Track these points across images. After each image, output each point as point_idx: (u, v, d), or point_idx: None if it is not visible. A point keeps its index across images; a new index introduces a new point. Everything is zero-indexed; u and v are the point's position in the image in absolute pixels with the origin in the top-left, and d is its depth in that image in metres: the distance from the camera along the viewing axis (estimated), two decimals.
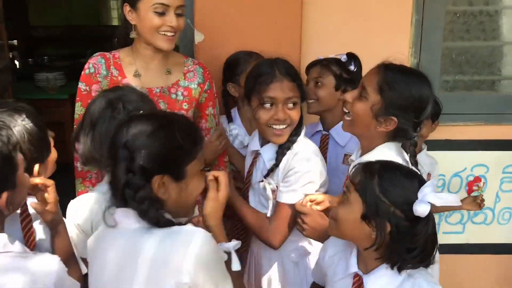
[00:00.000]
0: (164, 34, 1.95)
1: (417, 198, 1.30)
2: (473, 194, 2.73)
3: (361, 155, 1.73)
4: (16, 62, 5.24)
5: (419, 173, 1.52)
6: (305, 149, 1.88)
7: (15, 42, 4.46)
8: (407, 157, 1.65)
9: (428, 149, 2.70)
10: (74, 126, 2.01)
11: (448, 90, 2.84)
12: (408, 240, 1.31)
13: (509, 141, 2.79)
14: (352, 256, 1.45)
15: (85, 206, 1.58)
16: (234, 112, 2.51)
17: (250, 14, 2.51)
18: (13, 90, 4.03)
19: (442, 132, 2.79)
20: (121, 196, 1.26)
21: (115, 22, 8.45)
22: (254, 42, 2.51)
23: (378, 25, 2.66)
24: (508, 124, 2.79)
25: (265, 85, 1.81)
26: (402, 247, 1.31)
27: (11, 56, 4.49)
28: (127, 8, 1.96)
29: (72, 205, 1.61)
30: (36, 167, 1.39)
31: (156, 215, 1.25)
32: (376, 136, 1.65)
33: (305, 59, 2.50)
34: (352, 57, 2.27)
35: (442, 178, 2.87)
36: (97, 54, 2.06)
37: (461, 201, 2.57)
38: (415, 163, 1.63)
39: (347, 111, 1.72)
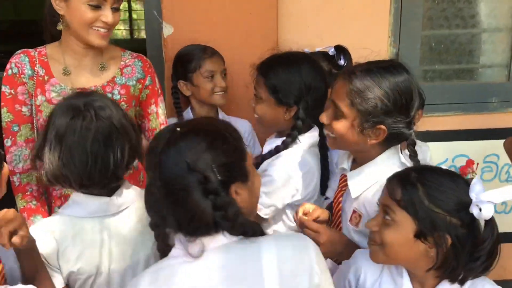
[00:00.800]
0: (98, 30, 1.73)
1: (470, 200, 1.19)
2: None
3: (353, 163, 1.60)
4: None
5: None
6: (291, 157, 1.75)
7: None
8: (405, 159, 1.52)
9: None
10: (3, 136, 1.80)
11: (427, 80, 2.76)
12: (472, 248, 1.19)
13: (490, 130, 2.73)
14: (403, 279, 1.31)
15: (48, 233, 1.37)
16: (188, 113, 2.32)
17: (223, 5, 2.35)
18: None
19: (422, 123, 2.63)
20: (208, 223, 1.10)
21: None
22: (227, 35, 2.38)
23: (355, 13, 2.55)
24: (488, 113, 2.74)
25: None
26: (466, 257, 1.20)
27: None
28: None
29: (39, 227, 1.40)
30: None
31: (251, 225, 1.13)
32: (369, 148, 1.50)
33: (282, 50, 2.36)
34: (340, 50, 2.11)
35: None
36: (19, 51, 1.81)
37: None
38: (417, 163, 1.50)
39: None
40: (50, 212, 1.85)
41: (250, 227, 1.12)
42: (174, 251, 1.15)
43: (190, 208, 1.08)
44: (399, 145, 1.53)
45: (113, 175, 1.36)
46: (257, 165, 1.82)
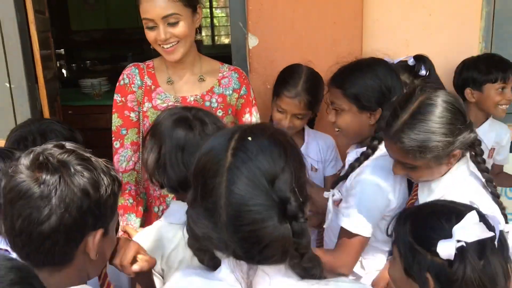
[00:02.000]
0: (162, 47, 1.85)
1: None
2: None
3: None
4: (64, 71, 5.23)
5: (469, 205, 1.29)
6: (374, 168, 1.71)
7: (62, 51, 4.43)
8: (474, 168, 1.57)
9: None
10: (113, 138, 1.97)
11: None
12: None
13: None
14: None
15: (153, 239, 1.46)
16: None
17: (306, 15, 2.37)
18: (61, 98, 4.03)
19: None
20: (278, 252, 0.94)
21: None
22: (312, 44, 2.39)
23: (444, 19, 2.47)
24: None
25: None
26: None
27: (58, 65, 4.47)
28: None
29: (142, 237, 1.48)
30: None
31: (317, 261, 1.01)
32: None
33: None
34: (420, 59, 2.03)
35: None
36: (131, 64, 2.01)
37: None
38: (482, 166, 1.55)
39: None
40: (146, 211, 1.99)
41: (317, 263, 0.99)
42: (223, 274, 1.00)
43: (263, 236, 0.91)
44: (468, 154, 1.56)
45: None
46: (340, 180, 1.82)
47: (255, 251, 0.92)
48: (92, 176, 1.07)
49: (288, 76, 2.12)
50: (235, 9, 2.44)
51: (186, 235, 1.23)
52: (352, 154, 1.85)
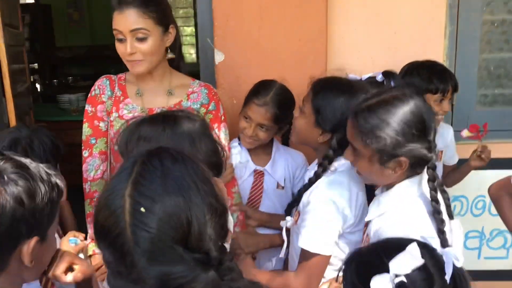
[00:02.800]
0: (128, 61, 1.86)
1: None
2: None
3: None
4: (37, 86, 5.23)
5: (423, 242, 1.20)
6: (328, 185, 1.69)
7: (35, 65, 4.43)
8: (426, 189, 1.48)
9: None
10: (82, 147, 1.98)
11: (487, 105, 2.65)
12: None
13: None
14: None
15: None
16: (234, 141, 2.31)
17: (272, 31, 2.39)
18: (36, 113, 4.01)
19: None
20: None
21: None
22: (277, 61, 2.41)
23: (409, 37, 2.51)
24: None
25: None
26: None
27: (32, 79, 4.47)
28: None
29: None
30: None
31: None
32: (397, 177, 1.49)
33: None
34: (389, 75, 2.00)
35: (483, 199, 2.67)
36: (103, 76, 2.03)
37: (468, 161, 2.38)
38: (433, 194, 1.45)
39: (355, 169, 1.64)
40: None
41: None
42: None
43: None
44: (424, 176, 1.49)
45: None
46: (299, 196, 1.80)
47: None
48: (28, 184, 1.06)
49: (260, 87, 2.12)
50: (203, 25, 2.47)
51: None
52: (312, 170, 1.85)
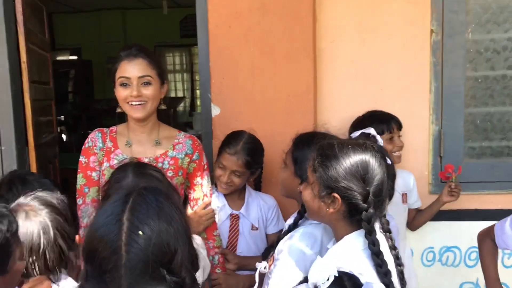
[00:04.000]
0: (131, 104, 2.08)
1: None
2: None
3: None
4: (64, 136, 5.62)
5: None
6: (303, 235, 1.76)
7: (62, 117, 4.79)
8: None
9: (456, 219, 2.58)
10: (76, 196, 2.15)
11: (474, 157, 2.71)
12: None
13: None
14: None
15: None
16: None
17: (264, 88, 2.58)
18: (64, 162, 4.31)
19: (471, 201, 2.66)
20: None
21: (172, 94, 8.94)
22: (268, 115, 2.59)
23: (395, 93, 2.65)
24: None
25: None
26: None
27: (59, 130, 4.82)
28: (113, 85, 2.16)
29: None
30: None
31: None
32: (335, 221, 1.54)
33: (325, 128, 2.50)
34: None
35: (475, 250, 2.68)
36: (96, 130, 2.24)
37: (438, 196, 2.56)
38: (377, 248, 1.46)
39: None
40: None
41: None
42: None
43: None
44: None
45: None
46: (277, 242, 1.89)
47: None
48: None
49: (231, 138, 2.34)
50: (204, 81, 2.70)
51: None
52: (291, 218, 1.97)
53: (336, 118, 2.58)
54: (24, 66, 2.94)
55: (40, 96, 3.30)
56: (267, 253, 2.00)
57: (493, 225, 2.14)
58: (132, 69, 2.07)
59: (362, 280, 1.33)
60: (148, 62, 2.10)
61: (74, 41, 8.08)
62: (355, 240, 1.53)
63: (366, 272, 1.44)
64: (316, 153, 1.56)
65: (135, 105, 2.08)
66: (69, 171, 4.67)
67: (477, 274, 2.73)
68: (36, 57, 3.22)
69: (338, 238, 1.58)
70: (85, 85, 8.13)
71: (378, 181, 1.50)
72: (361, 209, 1.48)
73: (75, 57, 8.39)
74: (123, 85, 2.08)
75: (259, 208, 2.38)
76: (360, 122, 2.44)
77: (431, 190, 2.70)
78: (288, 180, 1.91)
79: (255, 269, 2.02)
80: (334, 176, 1.49)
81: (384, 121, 2.44)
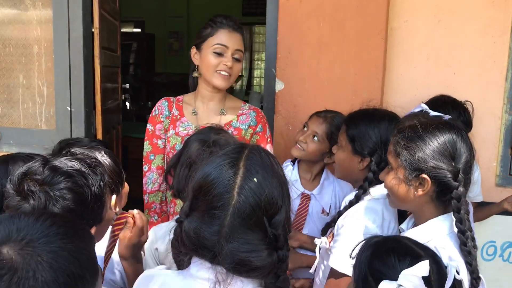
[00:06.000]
0: (220, 73, 2.11)
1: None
2: None
3: (414, 225, 1.60)
4: (127, 104, 5.76)
5: (431, 251, 1.30)
6: (363, 210, 1.76)
7: (127, 85, 4.90)
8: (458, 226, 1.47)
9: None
10: (143, 163, 2.20)
11: None
12: None
13: None
14: None
15: (165, 233, 1.68)
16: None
17: (331, 65, 2.54)
18: (126, 129, 4.44)
19: None
20: (266, 276, 1.12)
21: None
22: (334, 93, 2.54)
23: (468, 79, 2.54)
24: None
25: None
26: None
27: (123, 98, 4.95)
28: (193, 50, 2.19)
29: (154, 230, 1.72)
30: (113, 199, 1.45)
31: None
32: (422, 207, 1.51)
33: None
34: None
35: None
36: (162, 98, 2.29)
37: (502, 201, 2.46)
38: (464, 227, 1.44)
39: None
40: None
41: (288, 284, 1.15)
42: (194, 270, 1.14)
43: (254, 262, 1.07)
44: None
45: None
46: (334, 220, 1.89)
47: (243, 270, 1.08)
48: (76, 197, 1.26)
49: (326, 110, 2.27)
50: (270, 56, 2.68)
51: None
52: (349, 197, 1.94)
53: (404, 100, 2.52)
54: (96, 32, 3.03)
55: (108, 62, 3.39)
56: (326, 229, 1.99)
57: None
58: (231, 40, 2.11)
59: (445, 261, 1.30)
60: (243, 39, 2.16)
61: (139, 14, 8.23)
62: (441, 223, 1.51)
63: (452, 253, 1.44)
64: (398, 137, 1.52)
65: (224, 74, 2.12)
66: (128, 138, 4.85)
67: None
68: (107, 24, 3.30)
69: (420, 221, 1.55)
70: (146, 58, 8.29)
71: (466, 158, 1.47)
72: (452, 187, 1.46)
73: (138, 30, 8.55)
74: (218, 53, 2.11)
75: (334, 193, 2.31)
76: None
77: (498, 182, 2.59)
78: (346, 161, 1.88)
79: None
80: (422, 157, 1.46)
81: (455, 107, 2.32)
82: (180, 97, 2.30)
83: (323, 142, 2.20)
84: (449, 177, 1.45)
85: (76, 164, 1.31)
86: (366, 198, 1.81)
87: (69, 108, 2.99)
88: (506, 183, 2.53)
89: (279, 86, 2.61)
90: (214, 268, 1.10)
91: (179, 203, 2.14)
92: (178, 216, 1.20)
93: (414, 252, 1.27)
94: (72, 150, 1.42)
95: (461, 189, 1.45)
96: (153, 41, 8.51)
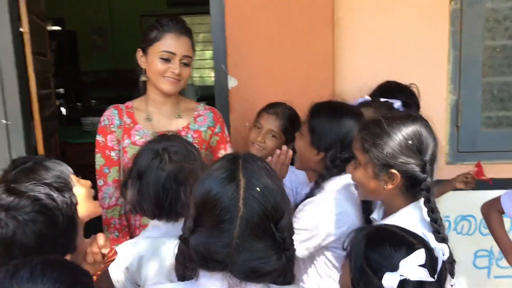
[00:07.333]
0: (168, 79, 2.03)
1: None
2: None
3: (384, 214, 1.64)
4: (63, 109, 5.46)
5: (421, 238, 1.35)
6: (319, 202, 1.78)
7: (61, 90, 4.65)
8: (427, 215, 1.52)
9: (472, 188, 2.59)
10: (96, 176, 2.09)
11: (491, 126, 2.72)
12: None
13: None
14: None
15: (135, 250, 1.60)
16: None
17: (282, 58, 2.53)
18: (61, 135, 4.21)
19: (487, 170, 2.67)
20: (276, 279, 1.15)
21: None
22: (286, 85, 2.54)
23: (413, 62, 2.62)
24: None
25: None
26: None
27: (58, 103, 4.69)
28: (139, 53, 2.08)
29: (124, 248, 1.63)
30: (101, 239, 1.39)
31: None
32: (392, 198, 1.56)
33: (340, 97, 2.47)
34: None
35: None
36: (110, 106, 2.16)
37: (452, 179, 2.48)
38: (436, 215, 1.49)
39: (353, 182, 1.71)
40: None
41: (294, 277, 1.19)
42: (212, 282, 1.15)
43: (265, 268, 1.10)
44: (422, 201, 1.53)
45: (180, 207, 1.55)
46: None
47: (254, 277, 1.11)
48: (46, 219, 1.19)
49: (272, 103, 2.32)
50: (218, 52, 2.62)
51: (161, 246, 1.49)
52: (307, 187, 1.97)
53: (354, 88, 2.56)
54: (27, 37, 2.82)
55: (40, 68, 3.18)
56: None
57: (498, 198, 2.18)
58: (179, 46, 2.02)
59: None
60: (191, 43, 2.06)
61: (57, 11, 7.79)
62: (412, 212, 1.55)
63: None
64: (364, 133, 1.55)
65: (172, 80, 2.03)
66: (64, 145, 4.61)
67: (492, 242, 2.76)
68: (36, 27, 3.09)
69: (392, 211, 1.59)
70: (69, 57, 7.89)
71: (432, 149, 1.52)
72: (421, 180, 1.50)
73: (58, 28, 8.11)
74: (164, 59, 2.01)
75: (290, 182, 2.32)
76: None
77: (448, 160, 2.71)
78: (303, 150, 1.90)
79: None
80: (390, 153, 1.49)
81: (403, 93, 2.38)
82: (129, 104, 2.18)
83: (280, 137, 2.26)
84: (417, 171, 1.49)
85: (42, 188, 1.22)
86: (325, 191, 1.82)
87: (4, 121, 2.77)
88: (455, 160, 2.65)
89: (232, 83, 2.56)
90: (225, 276, 1.12)
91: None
92: (181, 233, 1.21)
93: (407, 240, 1.32)
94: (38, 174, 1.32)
95: (429, 180, 1.50)
96: (74, 38, 8.10)
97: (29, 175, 1.30)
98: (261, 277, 1.11)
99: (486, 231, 2.77)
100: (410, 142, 1.48)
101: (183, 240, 1.17)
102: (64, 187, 1.28)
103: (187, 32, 2.05)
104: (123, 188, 1.66)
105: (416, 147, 1.49)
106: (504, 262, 2.78)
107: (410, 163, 1.49)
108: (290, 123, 2.26)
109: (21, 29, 2.81)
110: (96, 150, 2.12)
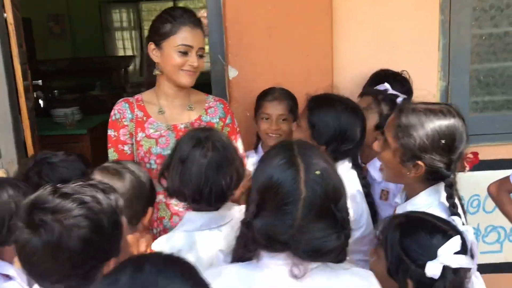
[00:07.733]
0: (186, 71, 2.03)
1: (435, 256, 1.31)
2: None
3: (406, 198, 1.70)
4: (40, 101, 5.26)
5: (452, 224, 1.44)
6: None
7: (39, 82, 4.47)
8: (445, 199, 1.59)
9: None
10: None
11: (478, 111, 2.87)
12: None
13: None
14: None
15: (171, 244, 1.61)
16: (259, 148, 2.53)
17: (282, 48, 2.55)
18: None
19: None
20: (337, 257, 1.20)
21: (121, 53, 8.55)
22: (287, 75, 2.56)
23: (406, 51, 2.71)
24: None
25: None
26: None
27: (35, 95, 4.51)
28: (151, 46, 2.05)
29: (160, 242, 1.63)
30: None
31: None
32: (413, 183, 1.61)
33: (336, 88, 2.52)
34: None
35: (477, 198, 2.88)
36: (120, 100, 2.14)
37: None
38: (452, 205, 1.55)
39: (380, 162, 1.76)
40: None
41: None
42: (275, 261, 1.19)
43: (327, 246, 1.15)
44: (442, 184, 1.59)
45: (220, 195, 1.58)
46: None
47: (317, 256, 1.16)
48: (91, 223, 1.18)
49: (264, 92, 2.39)
50: (214, 43, 2.62)
51: (198, 240, 1.53)
52: None
53: (351, 77, 2.62)
54: (11, 28, 2.71)
55: (21, 60, 3.06)
56: None
57: (507, 178, 2.26)
58: (195, 39, 2.01)
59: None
60: (203, 34, 2.06)
61: None
62: (432, 196, 1.62)
63: None
64: (401, 120, 1.58)
65: (190, 71, 2.02)
66: (41, 138, 4.45)
67: (478, 220, 2.95)
68: (15, 18, 2.96)
69: (412, 195, 1.65)
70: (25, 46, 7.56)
71: (462, 148, 1.56)
72: (444, 176, 1.55)
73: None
74: (182, 52, 1.99)
75: None
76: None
77: None
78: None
79: None
80: (422, 146, 1.53)
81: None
82: (138, 97, 2.16)
83: (289, 118, 2.34)
84: (443, 168, 1.55)
85: (88, 190, 1.21)
86: None
87: None
88: None
89: (232, 73, 2.57)
90: (287, 256, 1.17)
91: (162, 207, 2.06)
92: (214, 226, 1.43)
93: (440, 228, 1.38)
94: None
95: (452, 176, 1.56)
96: (29, 26, 7.75)
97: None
98: (322, 255, 1.16)
99: (473, 210, 2.94)
100: (443, 141, 1.51)
101: (245, 224, 1.23)
102: (109, 189, 1.26)
103: (200, 23, 2.05)
104: (161, 176, 1.67)
105: (448, 147, 1.53)
106: (489, 238, 2.97)
107: (438, 159, 1.53)
108: (291, 101, 2.36)
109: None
110: (109, 145, 2.09)
